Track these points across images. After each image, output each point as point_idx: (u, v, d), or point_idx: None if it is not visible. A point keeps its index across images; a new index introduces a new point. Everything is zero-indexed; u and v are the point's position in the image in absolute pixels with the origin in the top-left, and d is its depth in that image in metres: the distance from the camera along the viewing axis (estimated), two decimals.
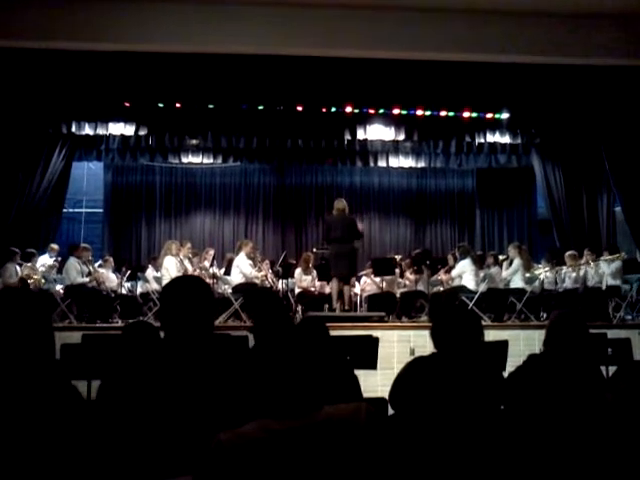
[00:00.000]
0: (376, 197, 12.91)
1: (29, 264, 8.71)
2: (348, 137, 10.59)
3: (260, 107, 9.91)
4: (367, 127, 10.52)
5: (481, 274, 8.67)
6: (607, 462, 2.10)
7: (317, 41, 6.83)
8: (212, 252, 9.50)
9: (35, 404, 1.58)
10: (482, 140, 10.83)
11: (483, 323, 2.82)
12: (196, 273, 8.56)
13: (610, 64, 7.55)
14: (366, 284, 9.66)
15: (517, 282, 8.63)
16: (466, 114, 10.18)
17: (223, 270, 9.00)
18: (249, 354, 2.86)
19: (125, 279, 9.18)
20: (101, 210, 12.23)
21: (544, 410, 2.39)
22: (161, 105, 9.70)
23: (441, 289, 9.05)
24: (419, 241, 12.68)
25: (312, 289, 9.18)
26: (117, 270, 9.43)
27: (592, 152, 10.55)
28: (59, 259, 9.05)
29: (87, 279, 8.53)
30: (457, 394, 2.42)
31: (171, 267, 8.41)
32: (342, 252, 7.90)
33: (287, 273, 8.88)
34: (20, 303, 1.74)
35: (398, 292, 9.10)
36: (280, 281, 8.93)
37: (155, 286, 8.80)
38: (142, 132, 10.26)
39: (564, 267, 9.16)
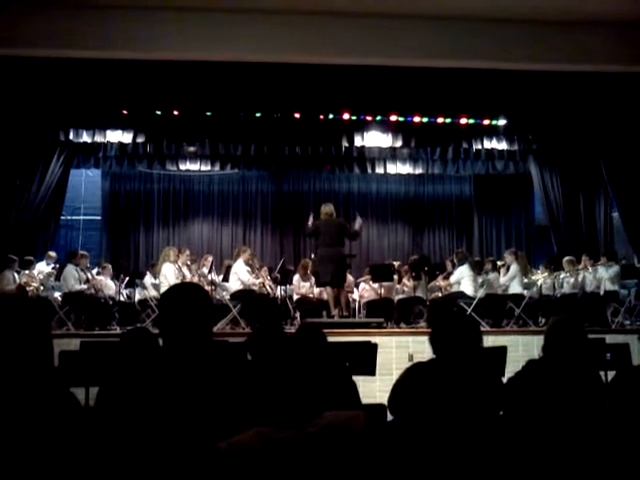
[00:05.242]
0: (374, 204, 12.91)
1: (27, 271, 8.70)
2: (345, 144, 10.59)
3: (258, 114, 9.93)
4: (364, 134, 10.53)
5: (479, 280, 8.67)
6: (606, 467, 2.10)
7: (314, 48, 6.85)
8: (210, 259, 9.50)
9: (33, 411, 1.58)
10: (479, 146, 10.85)
11: (482, 329, 2.82)
12: (194, 280, 8.54)
13: (607, 71, 7.59)
14: (364, 290, 9.65)
15: (515, 288, 8.64)
16: (463, 121, 10.19)
17: (221, 277, 8.99)
18: (247, 362, 2.85)
19: (123, 286, 9.16)
20: (99, 217, 12.23)
21: (543, 416, 2.39)
22: (159, 112, 9.73)
23: (439, 295, 9.05)
24: (417, 247, 12.66)
25: (310, 295, 9.17)
26: (115, 277, 9.40)
27: (589, 158, 10.58)
28: (57, 266, 9.02)
29: (85, 286, 8.50)
30: (456, 400, 2.41)
31: (169, 274, 8.40)
32: (328, 257, 7.92)
33: (285, 279, 8.88)
34: (18, 310, 1.73)
35: (396, 298, 9.10)
36: (278, 288, 8.93)
37: (153, 293, 8.78)
38: (140, 139, 10.26)
39: (562, 272, 9.17)
